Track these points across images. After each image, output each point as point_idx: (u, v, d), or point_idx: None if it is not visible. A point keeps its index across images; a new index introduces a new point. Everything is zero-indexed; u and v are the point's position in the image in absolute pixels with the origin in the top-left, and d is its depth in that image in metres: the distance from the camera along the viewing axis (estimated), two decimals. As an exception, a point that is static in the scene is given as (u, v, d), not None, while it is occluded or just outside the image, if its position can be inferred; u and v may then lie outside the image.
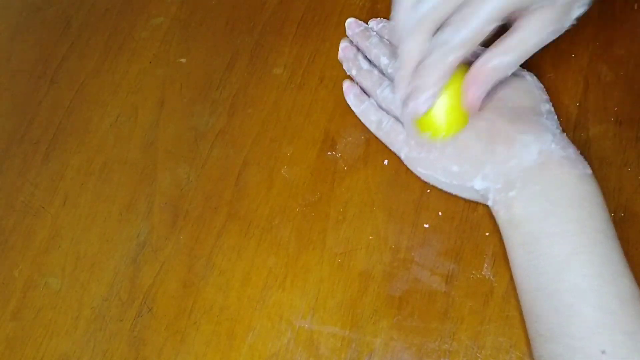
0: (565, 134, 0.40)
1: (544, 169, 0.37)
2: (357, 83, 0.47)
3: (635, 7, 0.48)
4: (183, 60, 0.51)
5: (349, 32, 0.49)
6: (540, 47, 0.37)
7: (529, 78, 0.43)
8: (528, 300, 0.37)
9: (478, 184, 0.40)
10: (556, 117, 0.42)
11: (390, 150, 0.44)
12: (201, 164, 0.47)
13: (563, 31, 0.37)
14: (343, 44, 0.48)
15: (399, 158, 0.44)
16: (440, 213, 0.43)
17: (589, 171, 0.38)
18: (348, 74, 0.47)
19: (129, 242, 0.45)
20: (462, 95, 0.38)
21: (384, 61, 0.46)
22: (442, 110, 0.39)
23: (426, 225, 0.43)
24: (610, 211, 0.41)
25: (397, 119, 0.44)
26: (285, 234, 0.44)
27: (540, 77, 0.46)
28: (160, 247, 0.45)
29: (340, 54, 0.48)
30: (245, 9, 0.52)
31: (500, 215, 0.39)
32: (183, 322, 0.42)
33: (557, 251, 0.36)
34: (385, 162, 0.45)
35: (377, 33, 0.48)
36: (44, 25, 0.55)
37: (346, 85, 0.47)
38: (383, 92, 0.45)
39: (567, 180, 0.37)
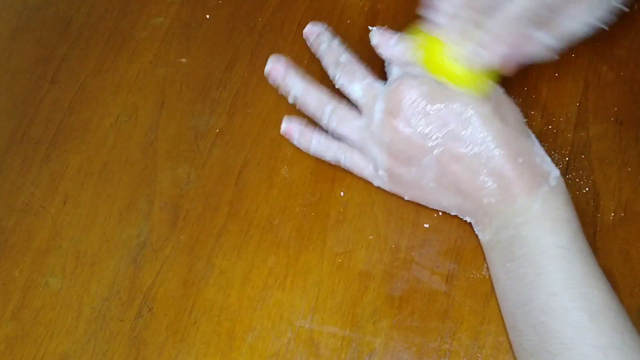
0: (538, 141, 0.40)
1: (504, 200, 0.37)
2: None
3: (635, 7, 0.48)
4: (183, 60, 0.51)
5: (311, 36, 0.45)
6: None
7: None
8: (511, 316, 0.37)
9: (459, 215, 0.42)
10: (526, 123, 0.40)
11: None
12: (201, 163, 0.47)
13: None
14: (268, 66, 0.44)
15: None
16: (440, 213, 0.43)
17: (554, 182, 0.37)
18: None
19: (129, 242, 0.45)
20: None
21: (330, 73, 0.43)
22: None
23: (426, 225, 0.43)
24: (610, 211, 0.42)
25: (357, 148, 0.43)
26: (285, 234, 0.44)
27: (539, 77, 0.46)
28: (161, 247, 0.45)
29: (270, 80, 0.44)
30: (245, 9, 0.52)
31: (480, 239, 0.41)
32: (183, 322, 0.42)
33: (526, 272, 0.36)
34: (385, 162, 0.45)
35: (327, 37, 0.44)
36: (44, 25, 0.55)
37: (284, 125, 0.44)
38: (330, 125, 0.43)
39: (526, 205, 0.37)
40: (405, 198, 0.43)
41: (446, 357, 0.39)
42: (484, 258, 0.41)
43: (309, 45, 0.46)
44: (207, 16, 0.53)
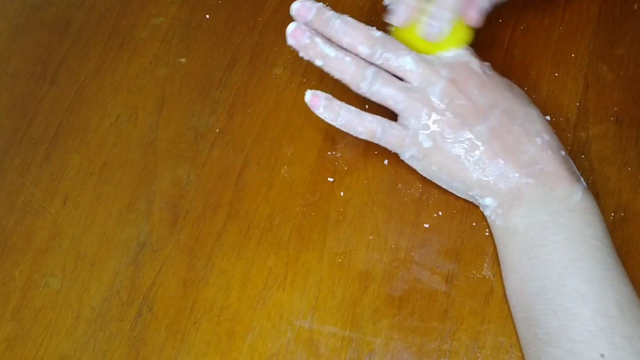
0: (562, 147, 0.40)
1: (544, 184, 0.38)
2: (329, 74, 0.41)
3: (635, 7, 0.48)
4: (183, 60, 0.51)
5: (299, 20, 0.40)
6: None
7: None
8: (527, 304, 0.37)
9: (477, 197, 0.41)
10: (552, 129, 0.41)
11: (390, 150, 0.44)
12: (201, 163, 0.47)
13: None
14: (291, 26, 0.40)
15: (399, 158, 0.44)
16: (440, 213, 0.43)
17: (584, 184, 0.39)
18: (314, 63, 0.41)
19: (129, 242, 0.45)
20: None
21: (363, 51, 0.40)
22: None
23: (426, 225, 0.43)
24: (610, 211, 0.42)
25: (400, 110, 0.41)
26: (285, 233, 0.44)
27: (540, 77, 0.46)
28: (160, 247, 0.45)
29: (290, 41, 0.40)
30: (245, 9, 0.52)
31: (497, 225, 0.40)
32: (183, 322, 0.42)
33: (559, 257, 0.36)
34: (385, 162, 0.45)
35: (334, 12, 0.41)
36: (44, 25, 0.55)
37: (309, 96, 0.41)
38: (372, 87, 0.40)
39: (566, 194, 0.38)
40: (433, 168, 0.41)
41: (446, 357, 0.39)
42: (484, 258, 0.41)
43: (301, 25, 0.40)
44: (207, 16, 0.53)
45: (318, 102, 0.40)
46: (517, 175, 0.38)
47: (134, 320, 0.43)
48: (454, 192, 0.42)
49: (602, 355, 0.33)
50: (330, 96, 0.41)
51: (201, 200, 0.46)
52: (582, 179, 0.40)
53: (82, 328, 0.43)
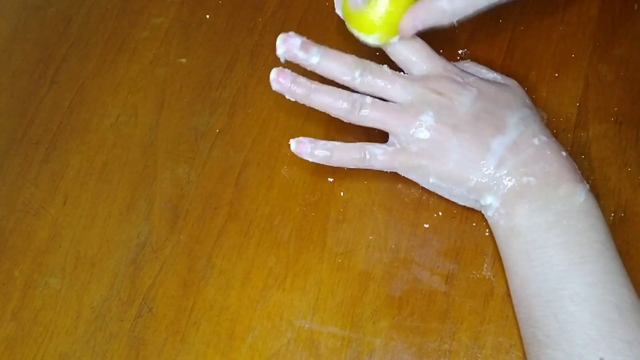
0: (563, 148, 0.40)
1: (546, 183, 0.38)
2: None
3: (635, 7, 0.48)
4: (183, 60, 0.51)
5: (285, 56, 0.41)
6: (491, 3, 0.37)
7: (513, 84, 0.43)
8: (527, 306, 0.37)
9: (479, 199, 0.40)
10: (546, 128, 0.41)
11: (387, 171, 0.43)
12: (201, 164, 0.47)
13: None
14: (274, 72, 0.41)
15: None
16: (440, 213, 0.43)
17: (587, 186, 0.38)
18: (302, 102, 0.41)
19: (129, 242, 0.45)
20: (403, 16, 0.39)
21: (347, 79, 0.40)
22: (382, 11, 0.39)
23: (426, 225, 0.43)
24: (610, 211, 0.42)
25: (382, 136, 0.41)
26: (285, 234, 0.44)
27: (540, 77, 0.46)
28: (160, 247, 0.45)
29: (275, 86, 0.41)
30: (245, 9, 0.52)
31: (500, 225, 0.39)
32: (183, 322, 0.42)
33: (560, 260, 0.36)
34: (385, 162, 0.45)
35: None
36: (44, 25, 0.55)
37: (293, 145, 0.41)
38: (362, 112, 0.40)
39: (569, 195, 0.37)
40: (430, 180, 0.40)
41: (446, 357, 0.39)
42: (484, 258, 0.41)
43: (283, 69, 0.41)
44: (207, 16, 0.53)
45: (304, 147, 0.40)
46: (518, 174, 0.38)
47: (134, 320, 0.43)
48: (455, 201, 0.41)
49: (601, 359, 0.33)
50: (313, 138, 0.41)
51: (201, 201, 0.46)
52: (584, 182, 0.39)
53: (82, 328, 0.43)
